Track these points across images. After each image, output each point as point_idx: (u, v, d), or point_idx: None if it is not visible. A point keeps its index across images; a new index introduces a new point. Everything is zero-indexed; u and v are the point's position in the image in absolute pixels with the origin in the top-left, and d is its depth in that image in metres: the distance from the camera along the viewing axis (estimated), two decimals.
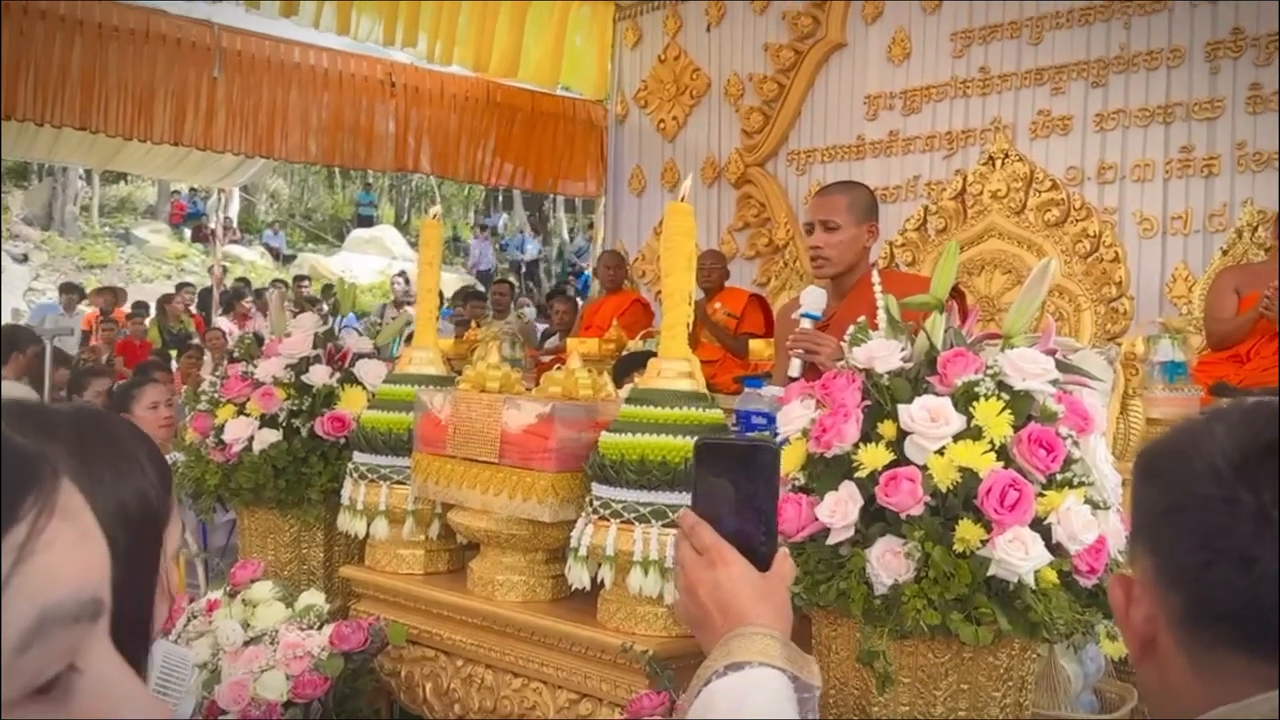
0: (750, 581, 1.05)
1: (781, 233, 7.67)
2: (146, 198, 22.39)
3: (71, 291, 14.07)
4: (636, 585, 2.32)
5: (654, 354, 2.66)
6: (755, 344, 6.05)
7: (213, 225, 16.07)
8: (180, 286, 14.49)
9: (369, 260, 20.47)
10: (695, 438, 1.15)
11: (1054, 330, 2.28)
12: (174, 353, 10.47)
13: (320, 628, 2.79)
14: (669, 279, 2.44)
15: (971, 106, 6.77)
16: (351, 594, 3.15)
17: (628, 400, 2.46)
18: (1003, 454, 2.00)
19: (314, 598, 2.91)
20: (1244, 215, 5.49)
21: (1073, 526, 1.96)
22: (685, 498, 2.23)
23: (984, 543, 1.94)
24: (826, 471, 2.09)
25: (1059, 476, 2.02)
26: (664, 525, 2.30)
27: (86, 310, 13.42)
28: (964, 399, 2.04)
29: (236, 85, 7.46)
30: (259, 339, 3.57)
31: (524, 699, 2.60)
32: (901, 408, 2.04)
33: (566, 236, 22.92)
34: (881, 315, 2.29)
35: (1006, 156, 4.35)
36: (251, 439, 3.28)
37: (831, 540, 2.04)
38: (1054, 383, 2.09)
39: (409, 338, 3.49)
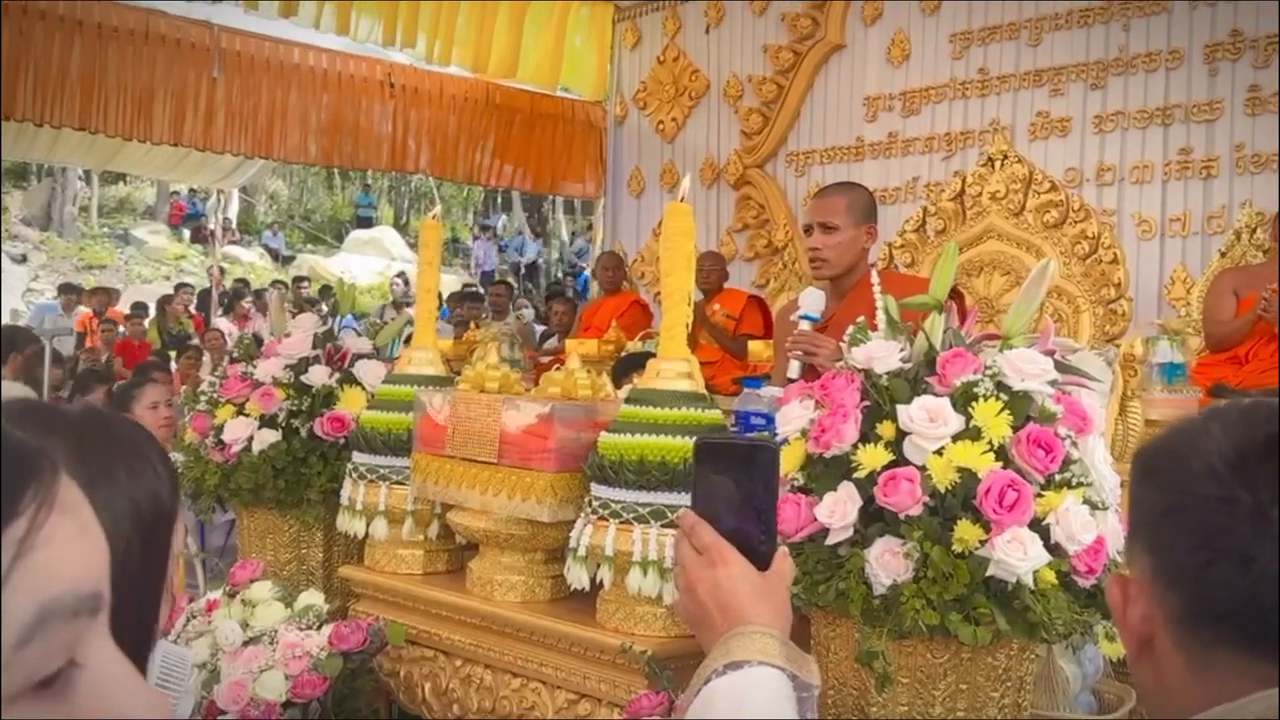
0: (750, 580, 1.05)
1: (780, 234, 7.67)
2: (145, 198, 22.39)
3: (70, 292, 14.06)
4: (635, 585, 2.32)
5: (653, 355, 2.67)
6: (754, 345, 6.05)
7: (212, 226, 16.07)
8: (179, 287, 14.48)
9: (368, 261, 20.47)
10: (694, 438, 1.15)
11: (1053, 331, 2.29)
12: (173, 353, 10.46)
13: (319, 628, 2.79)
14: (668, 279, 2.45)
15: (970, 108, 6.78)
16: (350, 594, 3.16)
17: (627, 400, 2.47)
18: (1001, 454, 2.01)
19: (313, 598, 2.91)
20: (1242, 217, 5.49)
21: (1071, 527, 1.96)
22: (684, 498, 2.23)
23: (982, 543, 1.94)
24: (825, 472, 2.09)
25: (1057, 477, 2.02)
26: (663, 526, 2.31)
27: (84, 311, 13.41)
28: (963, 399, 2.04)
29: (236, 86, 7.45)
30: (258, 340, 3.57)
31: (523, 699, 2.60)
32: (900, 408, 2.05)
33: (566, 238, 22.93)
34: (880, 316, 2.30)
35: (1005, 158, 4.35)
36: (251, 439, 3.28)
37: (830, 540, 2.05)
38: (1053, 383, 2.10)
39: (408, 338, 3.49)
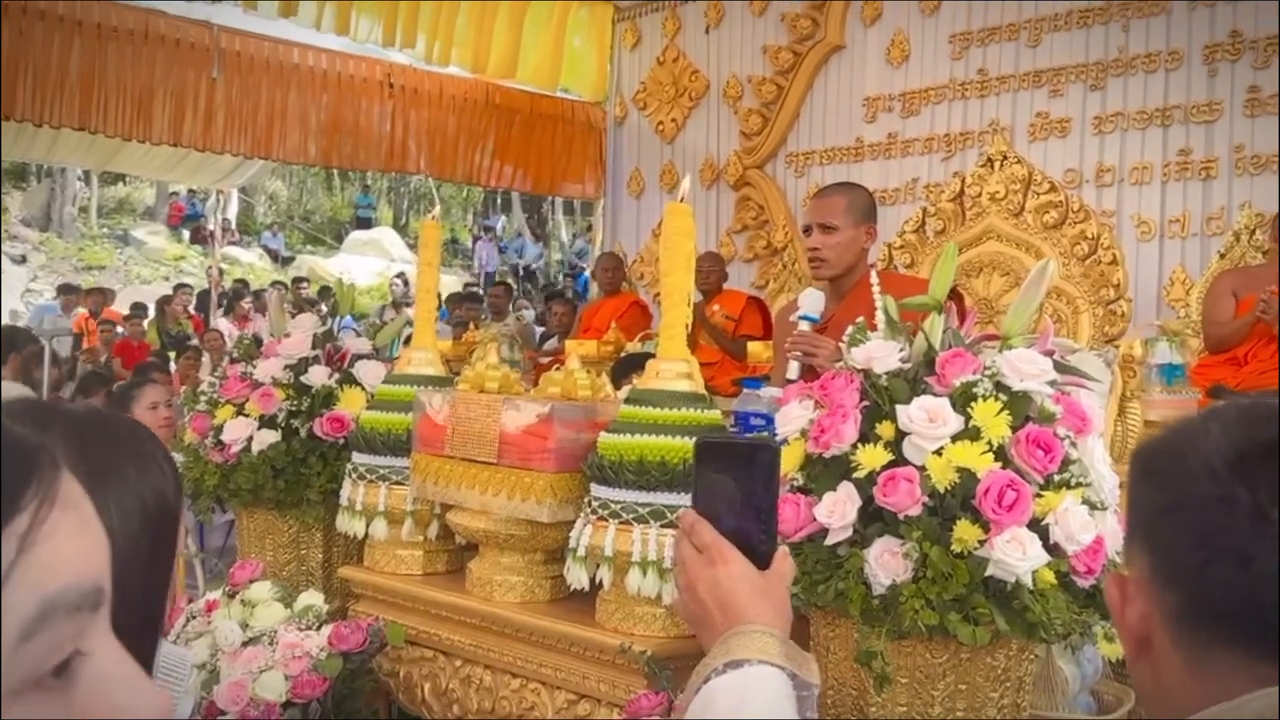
0: (750, 579, 1.05)
1: (780, 235, 7.67)
2: (145, 199, 22.39)
3: (69, 293, 14.05)
4: (635, 586, 2.32)
5: (652, 356, 2.67)
6: (753, 346, 6.05)
7: (211, 227, 16.06)
8: (178, 288, 14.47)
9: (367, 262, 20.47)
10: (695, 438, 1.15)
11: (1052, 331, 2.29)
12: (172, 354, 10.46)
13: (319, 628, 2.79)
14: (668, 279, 2.45)
15: (970, 108, 6.78)
16: (350, 594, 3.16)
17: (626, 401, 2.47)
18: (1000, 454, 2.01)
19: (313, 598, 2.91)
20: (1242, 218, 5.49)
21: (1070, 527, 1.97)
22: (684, 499, 2.24)
23: (982, 543, 1.94)
24: (825, 472, 2.10)
25: (1057, 477, 2.03)
26: (662, 526, 2.31)
27: (81, 312, 13.39)
28: (962, 399, 2.05)
29: (235, 86, 7.45)
30: (258, 340, 3.57)
31: (522, 699, 2.60)
32: (900, 408, 2.05)
33: (566, 239, 22.93)
34: (880, 316, 2.30)
35: (1005, 159, 4.35)
36: (250, 439, 3.28)
37: (830, 540, 2.05)
38: (1052, 384, 2.10)
39: (408, 339, 3.49)
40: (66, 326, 12.10)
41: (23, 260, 18.32)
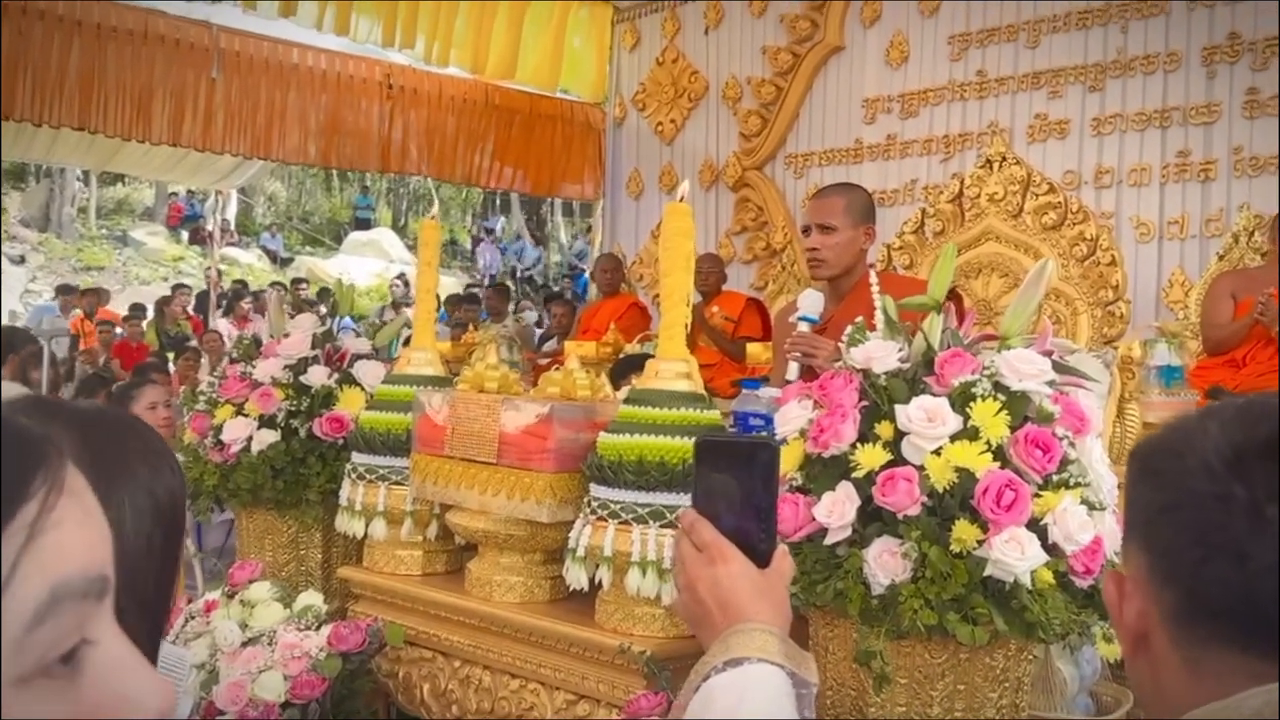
0: (749, 578, 1.05)
1: (779, 236, 7.67)
2: (144, 200, 22.39)
3: (68, 293, 14.04)
4: (634, 586, 2.32)
5: (651, 357, 2.67)
6: (752, 348, 6.05)
7: (210, 227, 16.06)
8: (176, 288, 14.46)
9: (366, 263, 20.47)
10: (693, 438, 1.15)
11: (1050, 332, 2.29)
12: (171, 355, 10.45)
13: (318, 628, 2.79)
14: (667, 279, 2.45)
15: (969, 110, 6.78)
16: (349, 595, 3.16)
17: (626, 401, 2.47)
18: (999, 454, 2.01)
19: (312, 598, 2.91)
20: (1240, 220, 5.50)
21: (1069, 527, 1.97)
22: (683, 499, 2.24)
23: (980, 543, 1.95)
24: (824, 472, 2.10)
25: (1055, 477, 2.03)
26: (662, 526, 2.31)
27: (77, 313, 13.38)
28: (961, 399, 2.05)
29: (235, 86, 7.45)
30: (257, 340, 3.57)
31: (521, 700, 2.60)
32: (899, 408, 2.05)
33: (565, 240, 22.94)
34: (879, 315, 2.30)
35: (1004, 160, 4.35)
36: (250, 439, 3.28)
37: (829, 540, 2.05)
38: (1050, 383, 2.10)
39: (407, 340, 3.49)
40: (65, 327, 12.09)
41: (21, 261, 18.32)
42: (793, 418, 2.19)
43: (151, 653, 0.80)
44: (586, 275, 13.03)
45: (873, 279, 3.29)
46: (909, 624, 1.96)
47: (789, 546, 2.05)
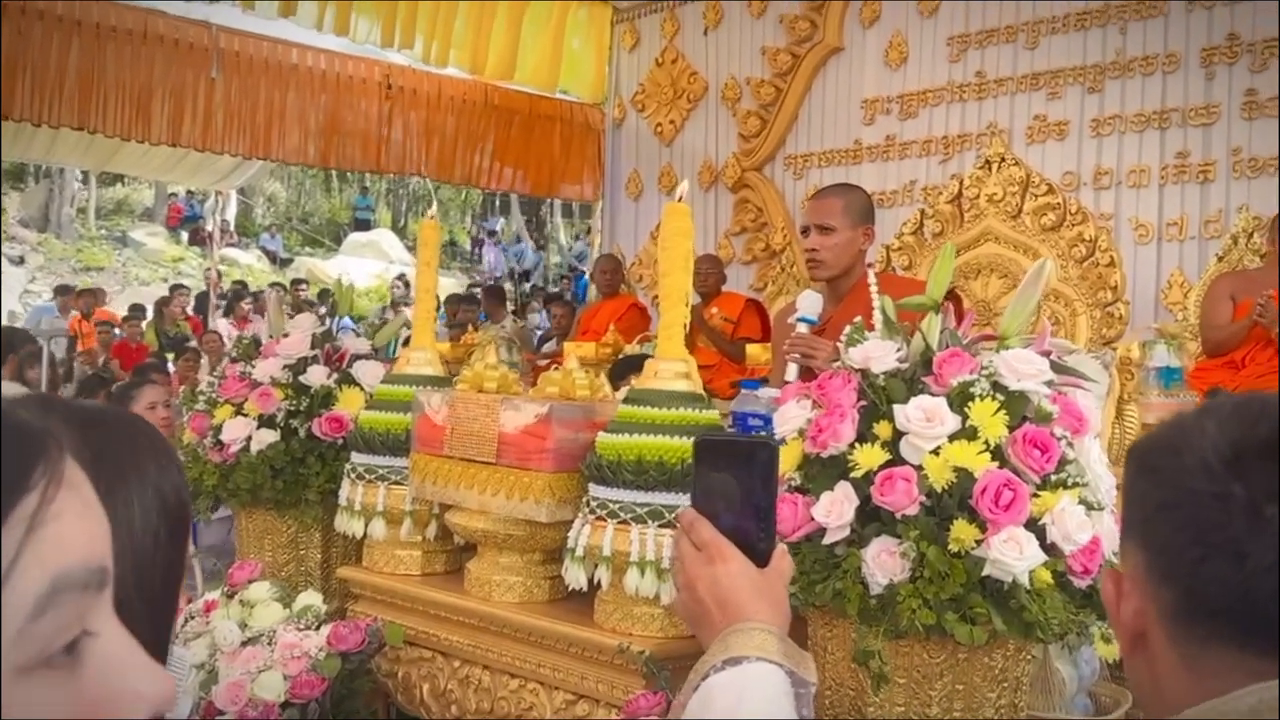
0: (748, 577, 1.05)
1: (778, 237, 7.67)
2: (143, 200, 22.39)
3: (66, 294, 14.04)
4: (633, 586, 2.33)
5: (650, 357, 2.67)
6: (751, 349, 6.05)
7: (210, 228, 16.06)
8: (175, 289, 14.46)
9: (366, 264, 20.47)
10: (692, 437, 1.16)
11: (1049, 332, 2.30)
12: (170, 356, 10.45)
13: (318, 628, 2.79)
14: (666, 279, 2.45)
15: (968, 111, 6.79)
16: (349, 595, 3.16)
17: (625, 401, 2.47)
18: (997, 454, 2.01)
19: (311, 598, 2.91)
20: (1239, 221, 5.50)
21: (1067, 527, 1.97)
22: (682, 498, 2.24)
23: (979, 543, 1.95)
24: (822, 471, 2.10)
25: (1053, 477, 2.03)
26: (661, 526, 2.31)
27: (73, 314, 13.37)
28: (959, 399, 2.05)
29: (234, 86, 7.45)
30: (256, 340, 3.58)
31: (521, 700, 2.60)
32: (897, 408, 2.06)
33: (564, 242, 22.93)
34: (877, 315, 2.31)
35: (1003, 161, 4.36)
36: (249, 439, 3.28)
37: (827, 540, 2.05)
38: (1048, 383, 2.10)
39: (406, 340, 3.49)
40: (64, 328, 12.10)
41: (21, 261, 18.31)
42: (791, 417, 2.19)
43: (160, 650, 0.81)
44: (586, 276, 13.02)
45: (871, 280, 3.29)
46: (907, 624, 1.97)
47: (788, 546, 2.06)
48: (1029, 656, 2.17)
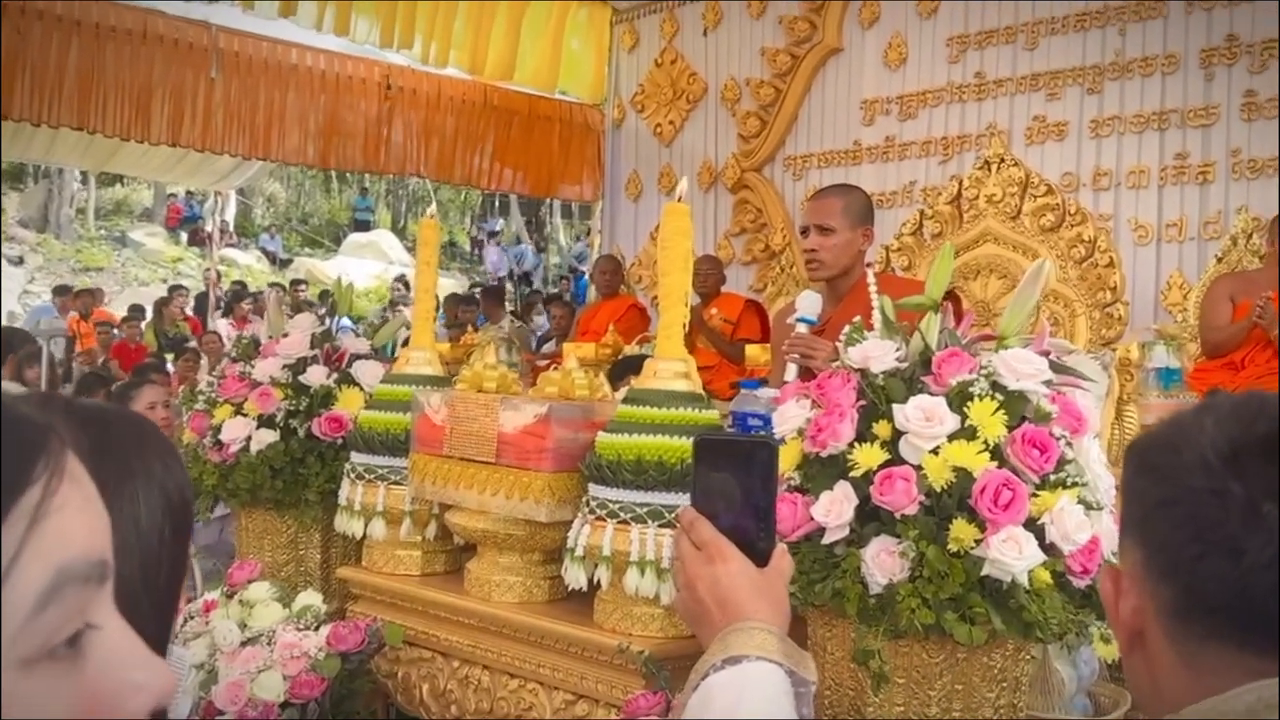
0: (748, 577, 1.05)
1: (778, 238, 7.68)
2: (143, 200, 22.39)
3: (66, 294, 14.03)
4: (633, 586, 2.33)
5: (650, 357, 2.67)
6: (751, 350, 6.05)
7: (209, 228, 16.06)
8: (174, 289, 14.46)
9: (365, 265, 20.46)
10: (692, 437, 1.16)
11: (1048, 332, 2.30)
12: (170, 356, 10.45)
13: (317, 628, 2.79)
14: (665, 279, 2.45)
15: (967, 112, 6.79)
16: (349, 595, 3.16)
17: (624, 401, 2.47)
18: (997, 454, 2.01)
19: (311, 598, 2.91)
20: (1239, 222, 5.50)
21: (1066, 527, 1.97)
22: (681, 498, 2.24)
23: (978, 542, 1.95)
24: (822, 471, 2.10)
25: (1052, 477, 2.03)
26: (660, 526, 2.31)
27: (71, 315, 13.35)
28: (958, 399, 2.05)
29: (234, 86, 7.45)
30: (255, 340, 3.58)
31: (520, 700, 2.60)
32: (896, 408, 2.06)
33: (564, 243, 22.93)
34: (876, 315, 2.31)
35: (1002, 161, 4.36)
36: (249, 439, 3.28)
37: (826, 540, 2.05)
38: (1047, 383, 2.11)
39: (406, 340, 3.49)
40: (63, 328, 12.09)
41: (20, 261, 18.31)
42: (791, 417, 2.19)
43: (162, 647, 0.81)
44: (586, 277, 13.02)
45: (871, 280, 3.29)
46: (907, 623, 1.97)
47: (787, 546, 2.06)
48: (1028, 656, 2.17)
